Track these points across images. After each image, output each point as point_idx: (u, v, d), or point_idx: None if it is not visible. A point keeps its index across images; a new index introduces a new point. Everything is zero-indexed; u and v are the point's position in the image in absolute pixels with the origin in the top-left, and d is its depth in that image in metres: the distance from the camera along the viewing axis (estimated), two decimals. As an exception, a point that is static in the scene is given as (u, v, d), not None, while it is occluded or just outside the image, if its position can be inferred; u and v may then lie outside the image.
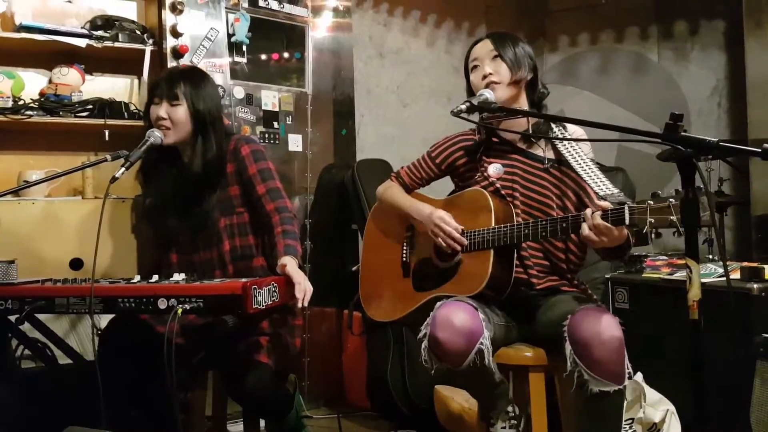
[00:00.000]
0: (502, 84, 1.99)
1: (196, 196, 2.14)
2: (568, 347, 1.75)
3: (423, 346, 1.83)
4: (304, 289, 1.87)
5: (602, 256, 1.94)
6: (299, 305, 1.87)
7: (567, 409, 2.01)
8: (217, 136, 2.16)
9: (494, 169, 2.04)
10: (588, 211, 1.73)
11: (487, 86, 1.99)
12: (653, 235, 1.59)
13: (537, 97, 2.09)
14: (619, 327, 1.75)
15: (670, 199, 1.54)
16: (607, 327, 1.72)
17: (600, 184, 1.82)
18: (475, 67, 2.04)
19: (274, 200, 2.11)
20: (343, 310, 3.15)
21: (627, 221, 1.65)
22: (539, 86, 2.09)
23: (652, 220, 1.58)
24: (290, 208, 2.13)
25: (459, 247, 1.99)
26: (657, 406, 2.35)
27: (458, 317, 1.78)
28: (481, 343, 1.77)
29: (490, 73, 1.99)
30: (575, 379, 1.74)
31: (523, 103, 2.07)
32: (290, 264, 1.94)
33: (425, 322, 1.85)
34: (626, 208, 1.65)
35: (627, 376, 1.75)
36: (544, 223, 1.85)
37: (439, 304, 1.86)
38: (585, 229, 1.72)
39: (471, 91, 2.07)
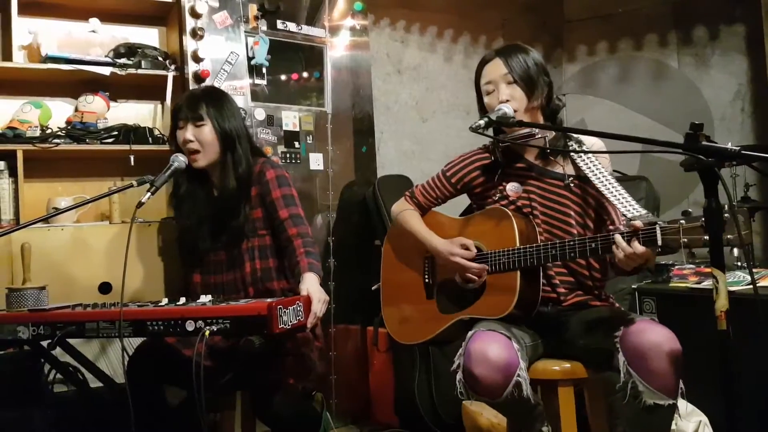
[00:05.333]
0: (520, 111, 1.95)
1: (230, 211, 2.18)
2: (621, 358, 1.72)
3: (458, 378, 1.79)
4: (314, 311, 1.88)
5: (618, 273, 1.92)
6: (307, 324, 1.86)
7: (596, 423, 1.99)
8: (245, 151, 2.20)
9: (513, 187, 2.02)
10: (618, 237, 1.69)
11: None
12: (688, 255, 1.56)
13: (551, 110, 2.05)
14: (677, 340, 1.71)
15: (703, 218, 1.48)
16: (668, 339, 1.70)
17: (627, 206, 1.79)
18: (490, 91, 2.00)
19: (297, 225, 2.14)
20: (368, 326, 3.15)
21: (660, 242, 1.61)
22: (554, 98, 2.05)
23: (686, 240, 1.55)
24: (311, 234, 2.15)
25: (483, 276, 1.97)
26: (689, 417, 2.32)
27: (493, 351, 1.73)
28: (518, 375, 1.73)
29: (507, 100, 1.94)
30: (628, 390, 1.71)
31: (540, 121, 2.04)
32: (311, 280, 1.95)
33: (458, 353, 1.81)
34: (658, 228, 1.61)
35: (680, 392, 1.72)
36: (572, 243, 1.81)
37: (470, 334, 1.82)
38: (620, 253, 1.68)
39: (484, 110, 2.03)
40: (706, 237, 1.46)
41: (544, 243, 1.88)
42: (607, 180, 1.90)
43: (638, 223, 1.67)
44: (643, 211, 1.73)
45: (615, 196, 1.84)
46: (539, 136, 1.99)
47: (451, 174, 2.15)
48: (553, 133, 2.03)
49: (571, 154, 2.01)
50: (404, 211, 2.21)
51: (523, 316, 1.93)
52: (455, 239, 2.04)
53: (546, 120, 2.05)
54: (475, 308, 1.98)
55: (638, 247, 1.65)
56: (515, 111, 1.94)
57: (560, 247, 1.83)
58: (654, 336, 1.70)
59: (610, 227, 1.97)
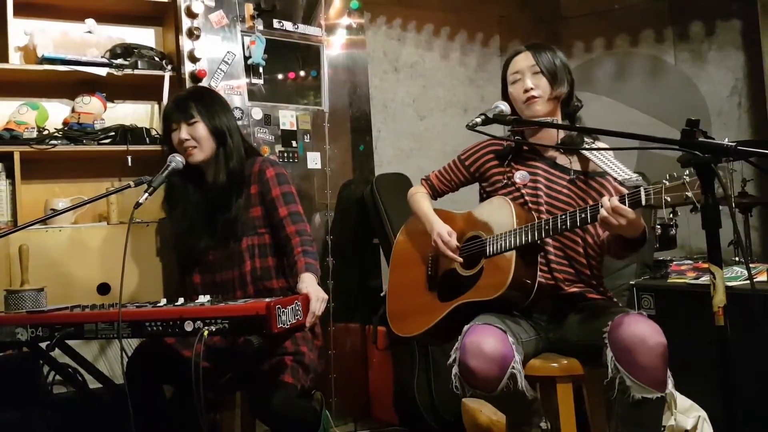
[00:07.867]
0: (542, 98, 2.03)
1: (223, 205, 2.18)
2: (609, 353, 1.74)
3: (453, 372, 1.81)
4: (313, 310, 1.88)
5: (617, 251, 1.92)
6: (306, 323, 1.87)
7: (595, 419, 2.00)
8: (236, 146, 2.22)
9: (520, 176, 2.06)
10: (605, 198, 1.74)
11: (527, 100, 2.03)
12: (671, 215, 1.57)
13: (571, 109, 2.11)
14: (663, 333, 1.73)
15: (684, 176, 1.51)
16: (652, 333, 1.72)
17: (618, 170, 1.82)
18: (517, 80, 2.07)
19: (295, 223, 2.14)
20: (367, 325, 3.16)
21: (644, 202, 1.64)
22: (573, 99, 2.11)
23: (668, 199, 1.56)
24: (310, 232, 2.16)
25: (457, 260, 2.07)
26: (688, 412, 2.32)
27: (488, 344, 1.76)
28: (513, 368, 1.75)
29: (532, 88, 2.03)
30: (616, 385, 1.72)
31: (558, 116, 2.09)
32: (309, 280, 1.96)
33: (454, 347, 1.83)
34: (642, 190, 1.65)
35: (668, 383, 1.73)
36: (563, 216, 1.85)
37: (466, 328, 1.84)
38: (602, 212, 1.72)
39: (507, 101, 2.07)
40: (688, 194, 1.49)
41: (538, 220, 1.92)
42: (605, 157, 1.93)
43: (623, 189, 1.73)
44: (634, 175, 1.75)
45: (608, 165, 1.88)
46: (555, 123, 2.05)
47: (466, 157, 2.21)
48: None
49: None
50: (417, 193, 2.31)
51: (521, 298, 1.94)
52: (448, 228, 2.12)
53: (564, 118, 2.10)
54: (472, 292, 2.01)
55: (617, 203, 1.69)
56: (538, 98, 2.02)
57: (552, 221, 1.87)
58: (638, 330, 1.72)
59: None
